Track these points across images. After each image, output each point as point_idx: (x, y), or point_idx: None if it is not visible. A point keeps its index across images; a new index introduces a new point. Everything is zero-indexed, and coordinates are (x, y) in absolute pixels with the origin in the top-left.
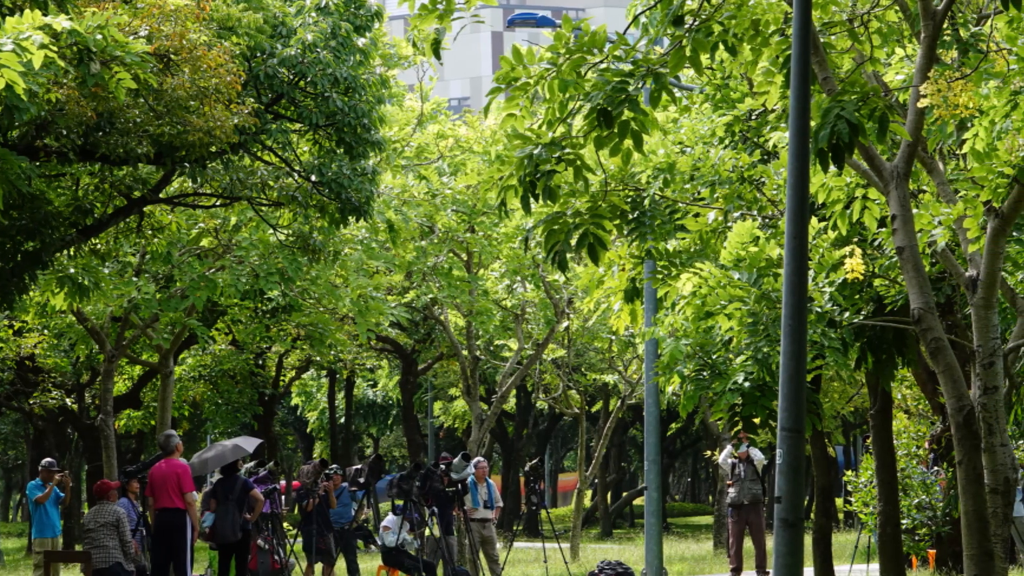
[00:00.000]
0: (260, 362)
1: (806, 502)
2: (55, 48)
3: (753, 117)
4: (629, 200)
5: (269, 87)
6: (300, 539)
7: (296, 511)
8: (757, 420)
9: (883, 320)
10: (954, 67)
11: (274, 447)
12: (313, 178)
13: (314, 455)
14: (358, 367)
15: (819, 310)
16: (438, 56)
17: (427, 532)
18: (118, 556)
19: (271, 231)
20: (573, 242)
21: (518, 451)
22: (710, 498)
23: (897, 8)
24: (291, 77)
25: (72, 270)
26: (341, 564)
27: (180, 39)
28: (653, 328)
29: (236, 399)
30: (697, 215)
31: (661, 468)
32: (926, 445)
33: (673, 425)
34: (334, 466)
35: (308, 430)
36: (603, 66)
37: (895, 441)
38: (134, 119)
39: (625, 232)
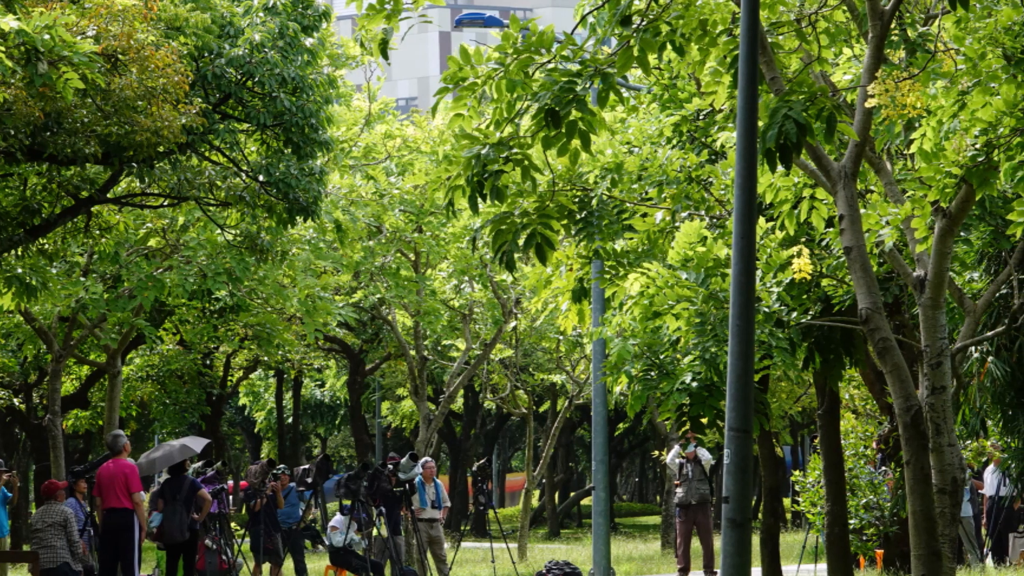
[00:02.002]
0: (208, 362)
1: (754, 502)
2: (2, 48)
3: (701, 117)
4: (577, 200)
5: (217, 87)
6: (248, 539)
7: (244, 511)
8: (705, 420)
9: (831, 320)
10: (902, 67)
11: (222, 447)
12: (261, 178)
13: (262, 455)
14: (306, 367)
15: (767, 310)
16: (386, 56)
17: (375, 532)
18: (66, 556)
19: (219, 231)
20: (521, 242)
21: (466, 451)
22: (658, 498)
23: (845, 8)
24: (239, 77)
25: (20, 270)
26: (289, 564)
27: (128, 39)
28: (601, 328)
29: (184, 399)
30: (645, 215)
31: (609, 468)
32: (874, 445)
33: (621, 425)
34: (282, 466)
35: (256, 430)
36: (551, 66)
37: (843, 441)
38: (82, 119)
39: (573, 232)
